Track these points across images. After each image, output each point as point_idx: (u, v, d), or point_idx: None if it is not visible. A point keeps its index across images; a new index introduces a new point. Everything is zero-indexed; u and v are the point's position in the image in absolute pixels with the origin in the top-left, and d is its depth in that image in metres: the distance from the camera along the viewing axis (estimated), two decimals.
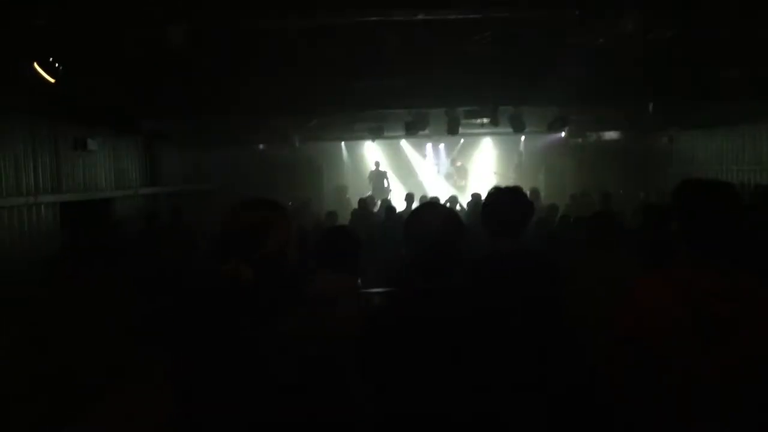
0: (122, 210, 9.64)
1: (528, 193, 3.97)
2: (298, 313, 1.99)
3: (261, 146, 14.14)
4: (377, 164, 16.60)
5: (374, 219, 10.26)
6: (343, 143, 16.70)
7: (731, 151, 11.83)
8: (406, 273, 2.20)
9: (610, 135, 14.74)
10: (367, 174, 16.68)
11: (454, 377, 1.87)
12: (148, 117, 9.05)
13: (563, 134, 14.04)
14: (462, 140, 16.51)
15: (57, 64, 5.74)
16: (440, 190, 15.31)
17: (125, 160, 10.06)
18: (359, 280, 2.88)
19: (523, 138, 16.08)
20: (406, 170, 17.47)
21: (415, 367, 1.89)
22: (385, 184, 16.23)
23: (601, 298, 2.31)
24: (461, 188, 16.14)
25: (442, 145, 17.28)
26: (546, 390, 2.06)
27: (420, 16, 6.09)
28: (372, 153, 16.87)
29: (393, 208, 10.37)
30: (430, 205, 2.75)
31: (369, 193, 14.91)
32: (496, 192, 3.02)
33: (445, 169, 17.42)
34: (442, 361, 1.88)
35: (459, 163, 16.87)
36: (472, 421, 1.86)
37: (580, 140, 14.20)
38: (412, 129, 11.31)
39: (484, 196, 10.11)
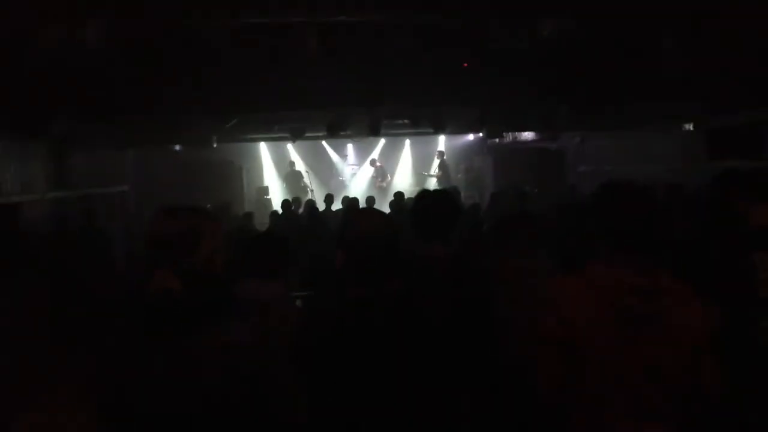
0: (30, 216, 9.12)
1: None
2: (229, 324, 1.95)
3: (178, 147, 13.73)
4: (292, 164, 16.42)
5: (295, 220, 10.14)
6: (264, 144, 16.41)
7: (639, 151, 12.47)
8: (338, 278, 2.20)
9: (526, 135, 15.23)
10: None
11: (391, 384, 1.89)
12: (57, 119, 8.61)
13: (481, 134, 14.40)
14: (383, 141, 16.59)
15: None
16: (361, 191, 15.32)
17: (32, 164, 9.53)
18: (287, 286, 2.85)
19: (442, 138, 16.35)
20: (327, 171, 17.39)
21: (352, 375, 1.89)
22: (302, 185, 16.02)
23: (525, 300, 2.38)
24: (382, 189, 16.21)
25: (362, 146, 17.27)
26: (477, 392, 2.11)
27: (342, 18, 6.11)
28: (293, 154, 16.68)
29: (315, 209, 10.30)
30: (366, 210, 2.75)
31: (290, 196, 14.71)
32: (424, 195, 3.06)
33: (365, 170, 17.42)
34: (380, 369, 1.89)
35: (378, 164, 16.92)
36: (408, 426, 1.88)
37: (497, 140, 14.59)
38: (334, 130, 11.28)
39: (406, 197, 10.09)
